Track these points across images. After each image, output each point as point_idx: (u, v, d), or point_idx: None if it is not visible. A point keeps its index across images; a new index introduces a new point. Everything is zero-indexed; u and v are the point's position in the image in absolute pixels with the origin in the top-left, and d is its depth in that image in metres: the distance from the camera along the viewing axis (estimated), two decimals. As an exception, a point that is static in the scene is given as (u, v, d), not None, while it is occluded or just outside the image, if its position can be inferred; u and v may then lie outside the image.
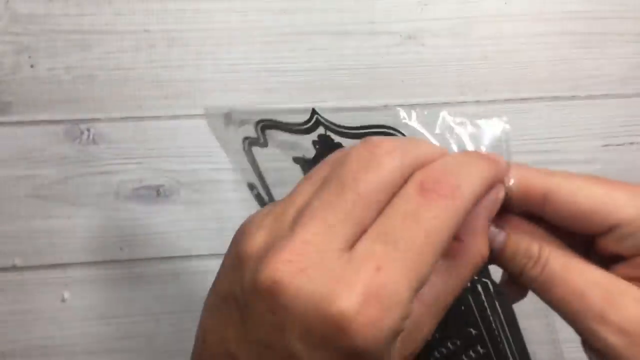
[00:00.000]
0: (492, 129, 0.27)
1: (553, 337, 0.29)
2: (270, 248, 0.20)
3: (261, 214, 0.23)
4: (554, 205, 0.24)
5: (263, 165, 0.29)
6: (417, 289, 0.20)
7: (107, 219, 0.46)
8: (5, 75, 0.44)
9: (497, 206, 0.24)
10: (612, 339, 0.22)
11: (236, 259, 0.22)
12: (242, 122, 0.29)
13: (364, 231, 0.21)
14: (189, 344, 0.26)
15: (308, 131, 0.29)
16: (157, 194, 0.46)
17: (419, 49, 0.47)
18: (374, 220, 0.21)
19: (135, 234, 0.47)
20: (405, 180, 0.22)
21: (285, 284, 0.19)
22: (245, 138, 0.29)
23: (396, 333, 0.20)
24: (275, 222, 0.22)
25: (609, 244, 0.24)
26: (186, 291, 0.48)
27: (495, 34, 0.47)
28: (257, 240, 0.21)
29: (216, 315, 0.23)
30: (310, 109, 0.28)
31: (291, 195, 0.23)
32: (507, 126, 0.27)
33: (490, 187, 0.23)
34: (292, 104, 0.46)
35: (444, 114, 0.27)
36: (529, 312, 0.27)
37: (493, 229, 0.25)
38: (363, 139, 0.23)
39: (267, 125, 0.28)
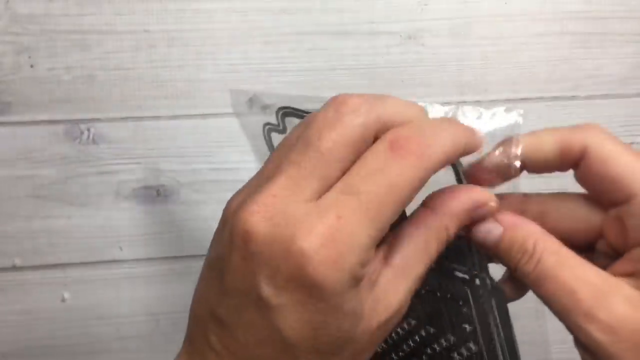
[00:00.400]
0: (503, 120, 0.27)
1: (544, 339, 0.29)
2: (243, 204, 0.22)
3: (244, 185, 0.24)
4: (590, 161, 0.24)
5: None
6: (375, 238, 0.21)
7: (106, 219, 0.46)
8: (5, 75, 0.44)
9: (483, 211, 0.24)
10: (599, 336, 0.22)
11: (220, 224, 0.24)
12: (265, 107, 0.29)
13: (330, 185, 0.22)
14: (189, 344, 0.26)
15: None
16: (157, 194, 0.46)
17: (419, 49, 0.47)
18: (341, 175, 0.22)
19: (135, 234, 0.47)
20: (375, 137, 0.23)
21: (254, 232, 0.21)
22: (266, 124, 0.29)
23: (355, 277, 0.21)
24: (251, 185, 0.24)
25: (617, 222, 0.24)
26: (186, 291, 0.47)
27: (495, 34, 0.47)
28: (235, 203, 0.23)
29: (202, 282, 0.24)
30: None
31: (266, 161, 0.24)
32: (520, 119, 0.27)
33: (462, 153, 0.24)
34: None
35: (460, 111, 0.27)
36: (520, 312, 0.27)
37: (491, 222, 0.25)
38: (331, 97, 0.23)
39: (288, 112, 0.28)
